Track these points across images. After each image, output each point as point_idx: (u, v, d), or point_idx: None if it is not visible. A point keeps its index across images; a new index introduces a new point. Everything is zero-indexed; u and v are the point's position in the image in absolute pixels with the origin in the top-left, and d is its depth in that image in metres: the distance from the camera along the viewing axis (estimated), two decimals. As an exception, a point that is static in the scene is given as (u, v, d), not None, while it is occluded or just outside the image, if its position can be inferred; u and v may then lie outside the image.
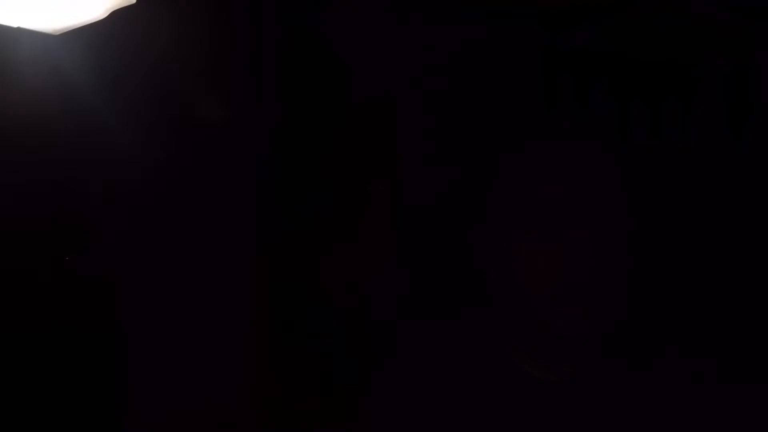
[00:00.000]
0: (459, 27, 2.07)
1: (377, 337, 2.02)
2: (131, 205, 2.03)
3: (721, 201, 2.06)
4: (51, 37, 1.60)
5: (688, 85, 2.04)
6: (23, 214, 1.99)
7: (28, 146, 1.97)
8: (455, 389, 1.74)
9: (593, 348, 1.74)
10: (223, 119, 2.05)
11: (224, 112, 2.06)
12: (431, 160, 2.10)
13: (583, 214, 1.69)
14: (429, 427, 1.73)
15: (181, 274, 2.03)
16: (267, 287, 2.05)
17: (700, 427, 1.71)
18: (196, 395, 2.02)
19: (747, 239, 2.06)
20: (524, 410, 1.72)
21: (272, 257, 2.05)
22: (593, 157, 1.76)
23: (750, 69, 2.03)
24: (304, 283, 2.05)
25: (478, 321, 1.79)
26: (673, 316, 2.01)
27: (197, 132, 2.05)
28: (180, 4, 2.01)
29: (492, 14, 2.05)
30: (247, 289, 2.04)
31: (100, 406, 2.02)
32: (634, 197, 1.77)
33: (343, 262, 2.06)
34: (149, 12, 1.89)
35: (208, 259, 2.03)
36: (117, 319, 2.03)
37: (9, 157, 1.96)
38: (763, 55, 2.02)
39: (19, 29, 1.56)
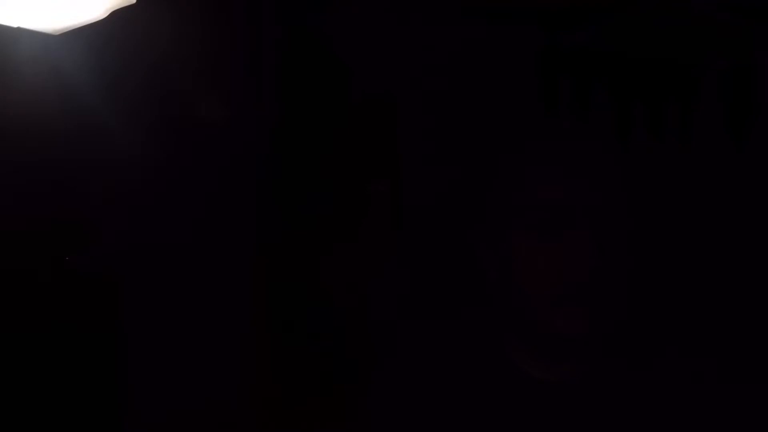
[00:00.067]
0: (459, 27, 2.07)
1: (377, 337, 2.02)
2: (131, 205, 2.03)
3: (721, 201, 2.06)
4: (51, 37, 1.60)
5: (688, 85, 2.04)
6: (23, 214, 1.98)
7: (28, 146, 1.97)
8: (455, 389, 1.74)
9: (593, 348, 1.74)
10: (223, 119, 2.05)
11: (224, 112, 2.06)
12: (431, 160, 2.10)
13: (583, 214, 1.69)
14: (429, 427, 1.73)
15: (181, 274, 2.03)
16: (267, 287, 2.05)
17: (700, 427, 1.71)
18: (196, 395, 2.02)
19: (747, 239, 2.05)
20: (524, 410, 1.72)
21: (272, 257, 2.05)
22: (593, 157, 1.76)
23: (750, 69, 2.02)
24: (304, 283, 2.05)
25: (478, 321, 1.79)
26: (673, 316, 2.00)
27: (197, 132, 2.05)
28: (180, 4, 2.01)
29: (492, 14, 2.05)
30: (247, 289, 2.04)
31: (100, 406, 2.02)
32: (634, 197, 1.77)
33: (343, 262, 2.06)
34: (149, 12, 1.89)
35: (208, 259, 2.03)
36: (117, 319, 2.03)
37: (9, 157, 1.96)
38: (763, 55, 2.02)
39: (19, 29, 1.56)
